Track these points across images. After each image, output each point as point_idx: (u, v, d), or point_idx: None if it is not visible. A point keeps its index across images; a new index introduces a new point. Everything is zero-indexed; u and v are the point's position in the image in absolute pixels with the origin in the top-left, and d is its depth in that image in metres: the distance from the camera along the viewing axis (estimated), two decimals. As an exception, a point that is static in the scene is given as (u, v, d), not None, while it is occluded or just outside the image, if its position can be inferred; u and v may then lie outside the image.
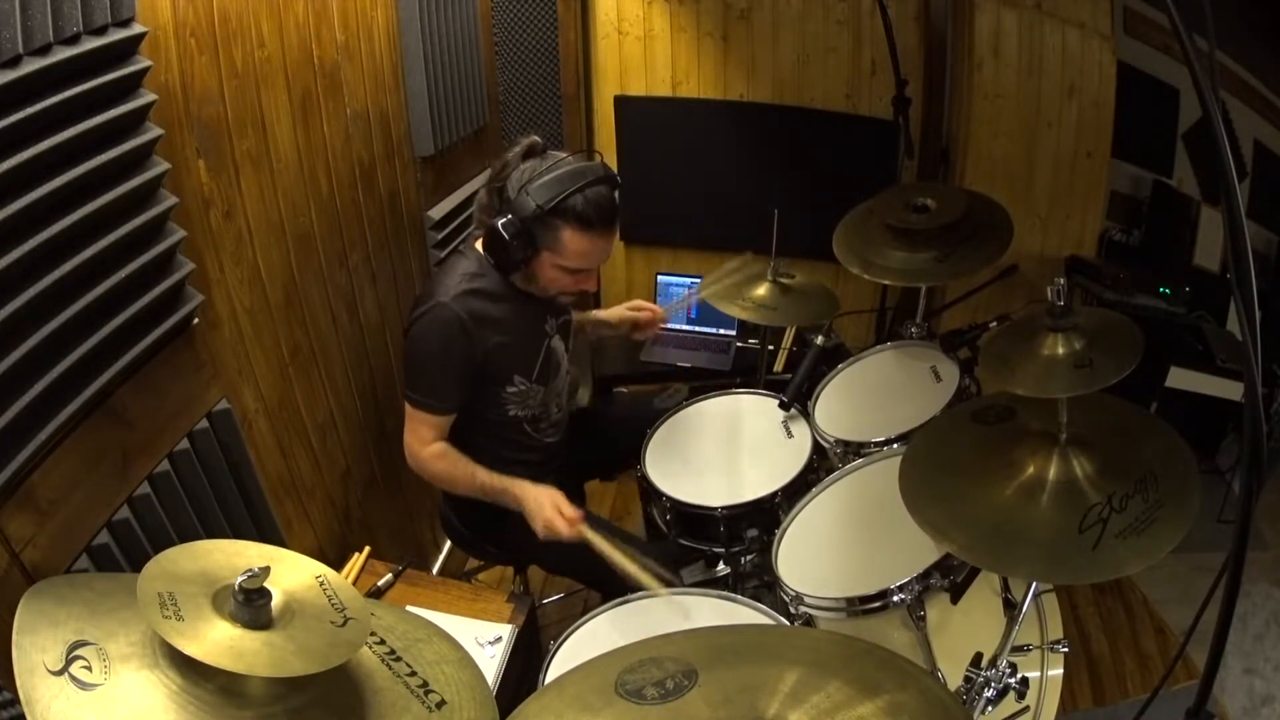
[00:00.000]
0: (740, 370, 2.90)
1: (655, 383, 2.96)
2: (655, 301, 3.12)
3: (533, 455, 1.92)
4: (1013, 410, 1.39)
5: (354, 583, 1.73)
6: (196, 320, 1.39)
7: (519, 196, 1.63)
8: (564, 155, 1.68)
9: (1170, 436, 1.27)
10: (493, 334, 1.72)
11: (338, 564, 1.79)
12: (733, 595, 1.58)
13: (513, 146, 1.71)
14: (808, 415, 1.99)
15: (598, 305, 3.43)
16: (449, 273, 1.74)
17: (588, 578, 1.93)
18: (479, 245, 1.77)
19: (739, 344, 3.02)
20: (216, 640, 0.89)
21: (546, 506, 1.66)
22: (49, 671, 0.86)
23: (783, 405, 2.04)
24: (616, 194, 1.68)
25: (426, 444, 1.76)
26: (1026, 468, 1.26)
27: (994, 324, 1.94)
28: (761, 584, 2.02)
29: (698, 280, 3.04)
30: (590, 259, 1.70)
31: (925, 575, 1.41)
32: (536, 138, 1.72)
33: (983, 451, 1.33)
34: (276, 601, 0.96)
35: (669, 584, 1.59)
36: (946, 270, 1.97)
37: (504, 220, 1.63)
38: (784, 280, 2.15)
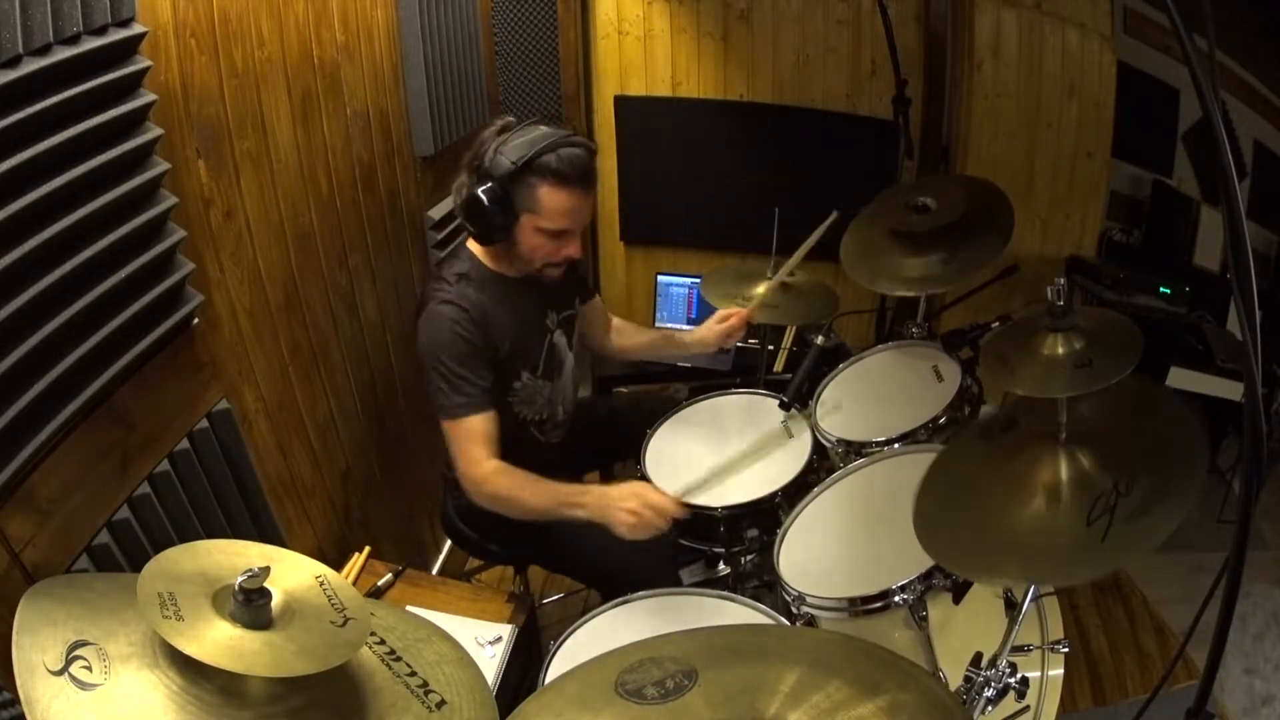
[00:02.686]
0: (740, 370, 2.89)
1: (655, 383, 2.95)
2: (655, 302, 3.13)
3: (536, 455, 1.90)
4: (1015, 420, 1.38)
5: (354, 583, 1.72)
6: (196, 320, 1.39)
7: (494, 158, 1.62)
8: (539, 123, 1.67)
9: (1170, 405, 1.27)
10: (495, 326, 1.71)
11: (338, 564, 1.79)
12: (733, 595, 1.58)
13: (481, 129, 1.71)
14: (808, 415, 1.99)
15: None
16: (445, 272, 1.74)
17: (588, 578, 1.93)
18: (470, 244, 1.77)
19: (739, 344, 3.01)
20: (216, 640, 0.89)
21: (627, 503, 1.55)
22: (49, 671, 0.86)
23: (783, 405, 2.04)
24: (594, 160, 1.66)
25: (481, 462, 1.66)
26: (1036, 481, 1.24)
27: (996, 324, 1.94)
28: (762, 584, 2.01)
29: (697, 280, 3.05)
30: (569, 218, 1.66)
31: (927, 575, 1.41)
32: (510, 117, 1.71)
33: (992, 472, 1.31)
34: (276, 601, 0.96)
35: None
36: (954, 272, 1.96)
37: (483, 186, 1.62)
38: (784, 279, 2.14)
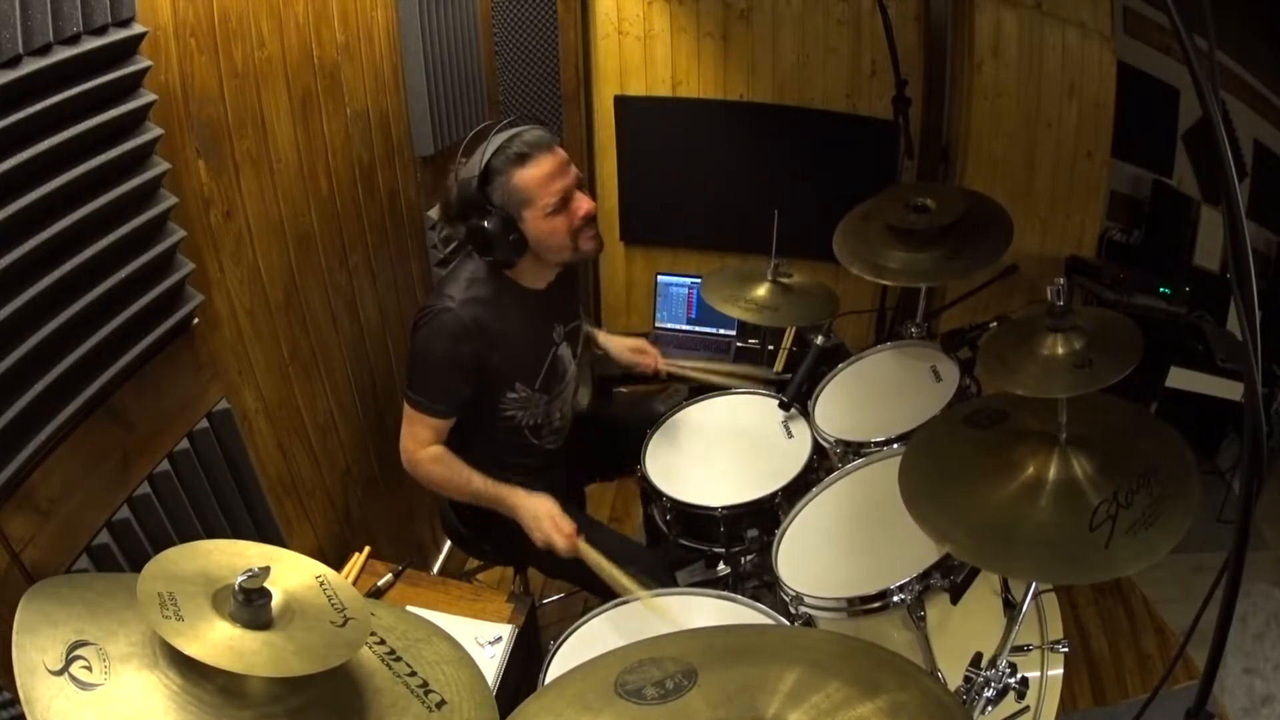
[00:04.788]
0: (740, 370, 2.89)
1: (655, 383, 2.95)
2: (655, 301, 3.13)
3: (532, 460, 1.91)
4: (1005, 413, 1.38)
5: (354, 583, 1.73)
6: (196, 320, 1.39)
7: (461, 188, 1.64)
8: (475, 143, 1.71)
9: (1164, 430, 1.28)
10: (498, 341, 1.72)
11: (338, 564, 1.79)
12: (733, 595, 1.58)
13: (447, 177, 1.73)
14: (808, 415, 1.99)
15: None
16: (458, 275, 1.74)
17: (585, 582, 1.93)
18: None
19: (739, 344, 3.01)
20: (216, 640, 0.89)
21: (544, 520, 1.68)
22: (49, 671, 0.86)
23: (783, 405, 2.04)
24: (544, 128, 1.69)
25: (423, 446, 1.76)
26: (1027, 468, 1.26)
27: (994, 324, 1.94)
28: (761, 584, 2.02)
29: (697, 280, 3.05)
30: (560, 179, 1.67)
31: (925, 575, 1.41)
32: (461, 157, 1.72)
33: (980, 455, 1.33)
34: (276, 601, 0.96)
35: (655, 587, 1.62)
36: (957, 268, 1.96)
37: (473, 219, 1.64)
38: (784, 280, 2.14)
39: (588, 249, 1.76)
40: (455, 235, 1.75)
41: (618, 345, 2.12)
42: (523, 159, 1.63)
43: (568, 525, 1.67)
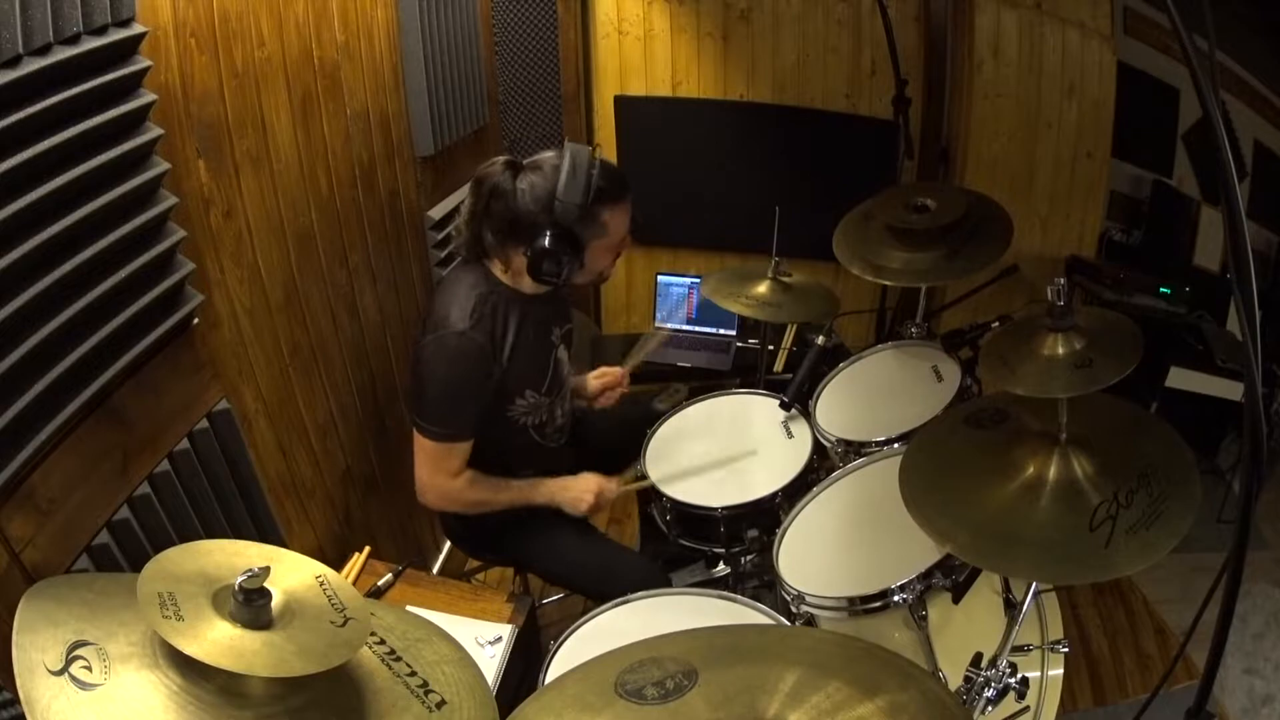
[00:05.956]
0: (740, 370, 2.90)
1: (655, 383, 2.96)
2: (655, 303, 3.13)
3: (537, 460, 1.90)
4: (1005, 413, 1.38)
5: (354, 583, 1.72)
6: (196, 320, 1.39)
7: (557, 209, 1.62)
8: (547, 154, 1.69)
9: (1164, 430, 1.28)
10: (508, 353, 1.72)
11: (338, 564, 1.79)
12: (733, 595, 1.58)
13: (487, 176, 1.69)
14: (808, 415, 1.99)
15: (598, 302, 3.43)
16: (455, 294, 1.70)
17: (582, 586, 1.93)
18: (493, 265, 1.74)
19: (739, 344, 3.02)
20: (216, 640, 0.89)
21: (590, 496, 1.79)
22: (49, 671, 0.86)
23: (783, 405, 2.04)
24: None
25: (456, 475, 1.74)
26: (1027, 468, 1.26)
27: (995, 324, 1.94)
28: (761, 584, 2.02)
29: (697, 280, 3.05)
30: (627, 223, 1.76)
31: (927, 575, 1.41)
32: (506, 156, 1.72)
33: (981, 455, 1.33)
34: (276, 601, 0.96)
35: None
36: (957, 268, 1.96)
37: (548, 238, 1.63)
38: (784, 279, 2.15)
39: (608, 276, 1.85)
40: (494, 239, 1.71)
41: (584, 384, 2.12)
42: (614, 196, 1.69)
43: (609, 484, 1.82)
